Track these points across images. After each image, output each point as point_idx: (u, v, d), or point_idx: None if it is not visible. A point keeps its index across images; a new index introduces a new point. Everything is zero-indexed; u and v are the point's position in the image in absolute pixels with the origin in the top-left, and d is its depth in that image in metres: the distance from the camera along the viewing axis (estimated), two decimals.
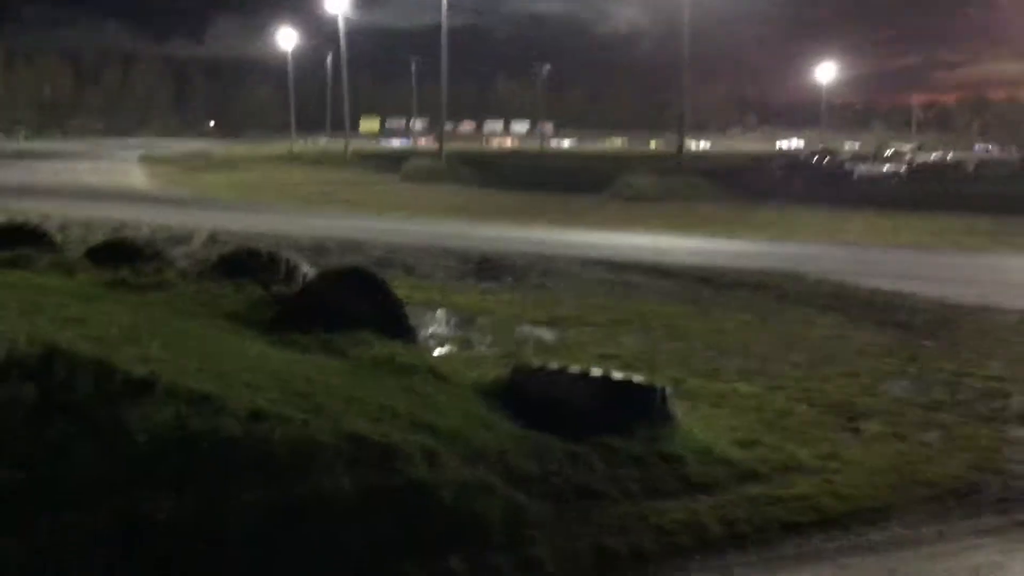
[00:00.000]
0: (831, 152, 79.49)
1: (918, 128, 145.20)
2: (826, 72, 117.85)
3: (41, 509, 5.30)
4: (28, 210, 30.25)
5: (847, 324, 15.02)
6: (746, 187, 50.62)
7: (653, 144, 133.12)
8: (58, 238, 16.13)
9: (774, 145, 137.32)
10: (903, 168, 67.62)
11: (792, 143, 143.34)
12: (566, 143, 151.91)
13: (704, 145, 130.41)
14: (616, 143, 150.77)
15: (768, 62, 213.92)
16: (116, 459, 5.75)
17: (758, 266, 21.65)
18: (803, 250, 26.63)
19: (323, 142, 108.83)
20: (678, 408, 8.31)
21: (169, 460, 5.84)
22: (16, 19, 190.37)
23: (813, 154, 78.50)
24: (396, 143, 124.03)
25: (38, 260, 12.45)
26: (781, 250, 26.38)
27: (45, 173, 57.55)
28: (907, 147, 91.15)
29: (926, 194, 46.77)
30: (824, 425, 9.15)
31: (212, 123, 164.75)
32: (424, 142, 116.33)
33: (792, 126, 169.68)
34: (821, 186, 53.27)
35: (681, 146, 66.62)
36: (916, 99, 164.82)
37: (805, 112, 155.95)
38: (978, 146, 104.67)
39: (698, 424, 8.45)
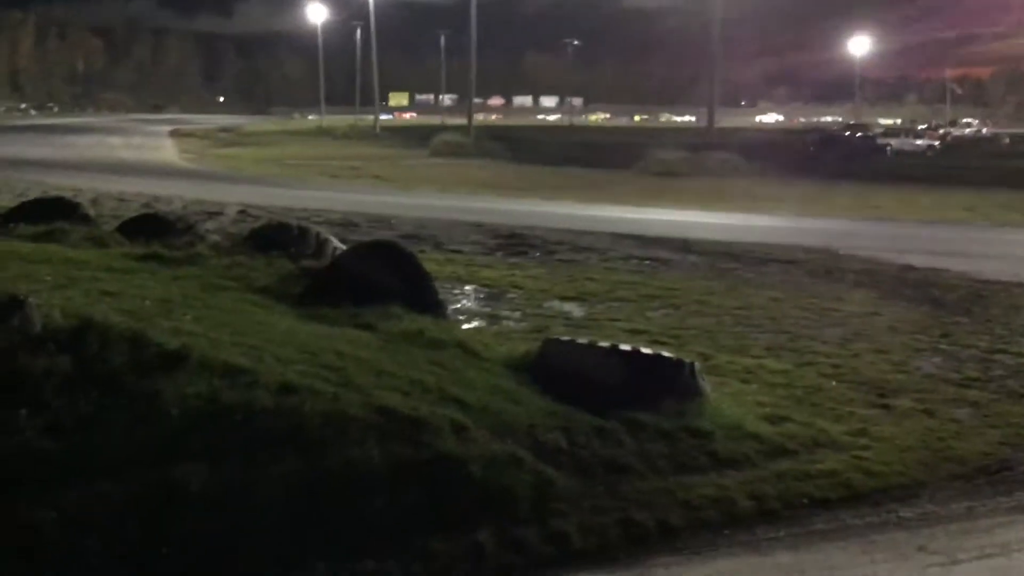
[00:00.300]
0: (864, 126, 78.61)
1: (953, 102, 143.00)
2: (859, 45, 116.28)
3: (73, 479, 5.38)
4: (61, 184, 30.56)
5: (879, 300, 14.89)
6: (778, 162, 50.16)
7: (637, 118, 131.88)
8: (91, 212, 16.24)
9: (806, 120, 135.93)
10: (937, 143, 66.77)
11: (824, 118, 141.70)
12: (597, 117, 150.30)
13: (732, 120, 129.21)
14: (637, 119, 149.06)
15: (800, 36, 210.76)
16: (149, 430, 5.83)
17: (789, 242, 21.49)
18: (835, 226, 26.40)
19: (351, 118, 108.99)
20: (707, 383, 8.29)
21: (201, 432, 5.91)
22: None
23: (846, 128, 77.66)
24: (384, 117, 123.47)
25: (72, 234, 12.57)
26: (813, 225, 26.16)
27: (78, 148, 58.00)
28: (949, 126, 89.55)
29: (960, 169, 46.18)
30: (854, 401, 9.10)
31: (221, 99, 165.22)
32: (408, 116, 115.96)
33: (824, 101, 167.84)
34: (854, 161, 52.77)
35: (711, 120, 66.07)
36: (950, 73, 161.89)
37: (838, 86, 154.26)
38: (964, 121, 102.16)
39: (727, 400, 8.42)
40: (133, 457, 5.62)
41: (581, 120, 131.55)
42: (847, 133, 72.51)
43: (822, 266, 18.31)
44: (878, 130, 75.49)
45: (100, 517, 5.21)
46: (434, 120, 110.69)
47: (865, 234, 24.36)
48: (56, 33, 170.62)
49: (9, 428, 5.45)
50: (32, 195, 22.13)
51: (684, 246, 20.82)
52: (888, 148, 63.66)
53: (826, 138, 69.90)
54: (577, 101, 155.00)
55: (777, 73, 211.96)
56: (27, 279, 8.05)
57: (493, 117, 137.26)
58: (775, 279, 16.86)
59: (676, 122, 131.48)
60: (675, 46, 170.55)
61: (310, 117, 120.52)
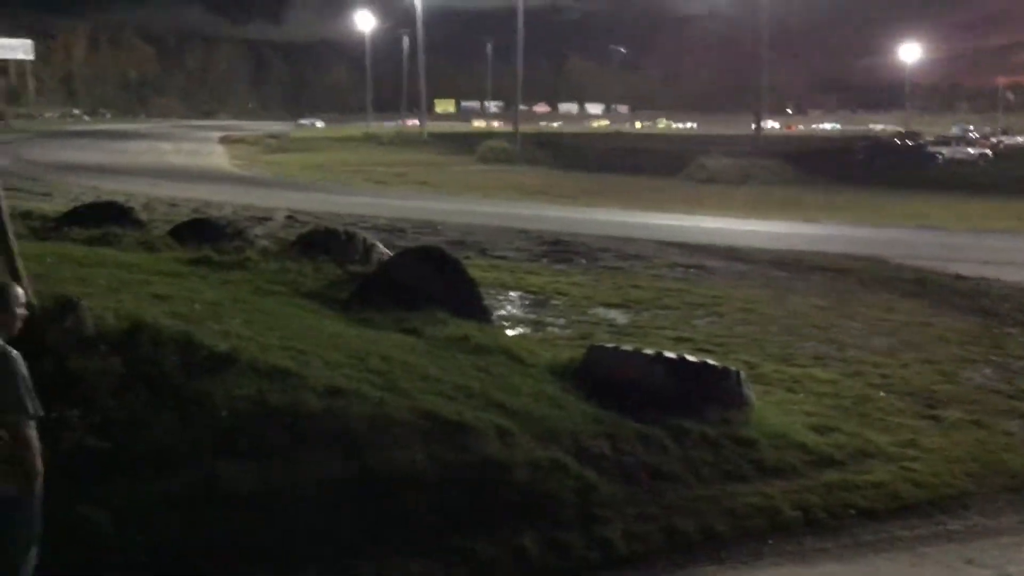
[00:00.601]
0: (915, 134, 77.55)
1: (1006, 109, 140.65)
2: (910, 52, 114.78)
3: (124, 476, 5.49)
4: (114, 190, 31.09)
5: (929, 310, 14.68)
6: (827, 170, 49.61)
7: (638, 125, 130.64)
8: (143, 217, 16.53)
9: (855, 127, 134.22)
10: (989, 151, 65.67)
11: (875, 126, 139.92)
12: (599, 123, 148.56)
13: (775, 126, 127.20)
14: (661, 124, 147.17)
15: (850, 42, 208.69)
16: (198, 430, 5.93)
17: (838, 250, 21.25)
18: (885, 234, 26.06)
19: (394, 124, 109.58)
20: (752, 392, 8.24)
21: (249, 433, 6.00)
22: (100, 1, 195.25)
23: (896, 136, 76.69)
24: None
25: (124, 238, 12.82)
26: (862, 234, 25.85)
27: (130, 154, 58.89)
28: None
29: (1013, 178, 45.40)
30: (903, 412, 9.00)
31: (251, 104, 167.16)
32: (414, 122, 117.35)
33: (874, 108, 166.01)
34: (904, 169, 52.05)
35: (758, 127, 65.56)
36: (1002, 80, 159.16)
37: (888, 93, 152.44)
38: (956, 127, 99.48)
39: (772, 409, 8.37)
40: (182, 456, 5.72)
41: (628, 127, 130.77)
42: (897, 141, 71.55)
43: (871, 275, 18.08)
44: (929, 138, 74.34)
45: (150, 514, 5.31)
46: (478, 126, 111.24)
47: (915, 243, 24.01)
48: (109, 40, 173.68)
49: (63, 427, 5.56)
50: (86, 200, 22.53)
51: (730, 254, 20.70)
52: (939, 156, 62.71)
53: (876, 146, 69.00)
54: (623, 108, 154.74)
55: (825, 80, 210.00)
56: (81, 282, 8.21)
57: (554, 124, 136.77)
58: (823, 288, 16.69)
59: (676, 128, 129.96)
60: (722, 53, 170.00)
61: (318, 124, 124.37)
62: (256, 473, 5.68)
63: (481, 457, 6.26)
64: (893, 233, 26.51)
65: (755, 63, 67.85)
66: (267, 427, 6.07)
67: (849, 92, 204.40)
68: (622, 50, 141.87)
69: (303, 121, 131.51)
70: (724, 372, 8.05)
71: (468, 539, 5.70)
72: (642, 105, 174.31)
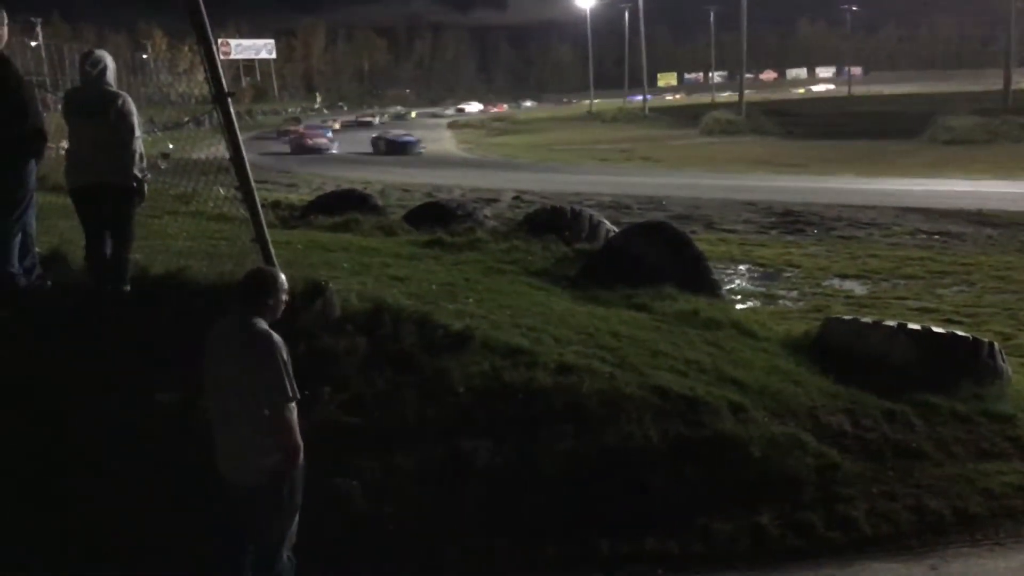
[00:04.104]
0: None
1: None
2: None
3: (373, 450, 5.78)
4: (351, 177, 32.71)
5: None
6: None
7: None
8: (380, 202, 17.28)
9: None
10: None
11: None
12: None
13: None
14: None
15: None
16: (439, 406, 6.16)
17: None
18: None
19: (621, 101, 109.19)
20: (1008, 365, 7.68)
21: (485, 409, 6.17)
22: None
23: None
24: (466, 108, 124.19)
25: (364, 223, 13.42)
26: None
27: (364, 143, 61.82)
28: None
29: None
30: None
31: (408, 91, 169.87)
32: (495, 109, 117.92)
33: None
34: None
35: (1008, 83, 60.78)
36: None
37: None
38: None
39: None
40: (424, 431, 5.96)
41: (863, 91, 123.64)
42: None
43: None
44: None
45: (397, 486, 5.57)
46: (704, 99, 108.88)
47: None
48: (344, 35, 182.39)
49: (316, 403, 5.91)
50: (327, 189, 23.85)
51: (979, 218, 19.40)
52: None
53: None
54: (856, 71, 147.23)
55: None
56: (327, 266, 8.68)
57: (820, 88, 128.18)
58: None
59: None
60: (964, 4, 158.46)
61: (527, 104, 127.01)
62: (493, 448, 5.85)
63: (715, 433, 6.16)
64: None
65: (1004, 11, 62.92)
66: (502, 403, 6.22)
67: None
68: (854, 8, 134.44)
69: (527, 104, 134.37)
70: (975, 344, 7.53)
71: (704, 516, 5.64)
72: (879, 67, 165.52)
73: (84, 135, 6.71)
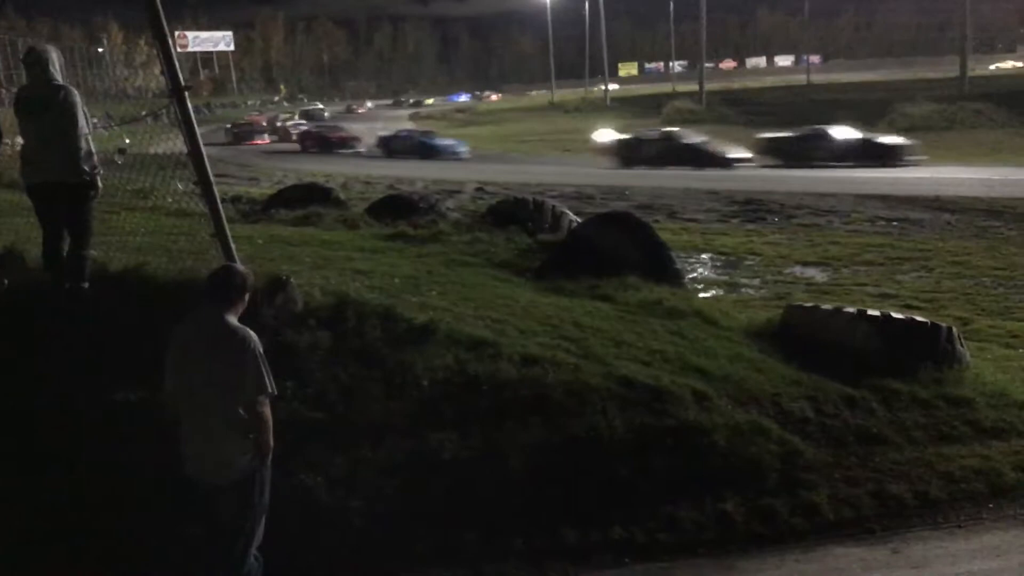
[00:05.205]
0: None
1: None
2: None
3: (337, 446, 5.75)
4: (313, 170, 32.48)
5: None
6: None
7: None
8: (342, 196, 17.18)
9: None
10: None
11: None
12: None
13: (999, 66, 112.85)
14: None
15: None
16: (404, 400, 6.14)
17: None
18: None
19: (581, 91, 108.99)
20: (966, 349, 7.79)
21: (450, 401, 6.17)
22: None
23: None
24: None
25: (326, 217, 13.34)
26: None
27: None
28: None
29: None
30: None
31: (371, 83, 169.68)
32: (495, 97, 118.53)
33: None
34: None
35: (964, 70, 61.52)
36: None
37: None
38: None
39: (989, 366, 7.91)
40: (389, 424, 5.94)
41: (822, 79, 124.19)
42: None
43: None
44: None
45: (363, 480, 5.55)
46: (665, 87, 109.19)
47: None
48: (303, 27, 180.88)
49: (279, 399, 5.85)
50: (288, 182, 23.67)
51: (936, 204, 19.65)
52: None
53: None
54: (815, 59, 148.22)
55: None
56: (289, 261, 8.62)
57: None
58: None
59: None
60: None
61: (493, 97, 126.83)
62: (459, 440, 5.84)
63: (679, 422, 6.20)
64: None
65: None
66: (467, 395, 6.22)
67: None
68: None
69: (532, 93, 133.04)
70: (934, 329, 7.63)
71: (670, 505, 5.67)
72: (837, 55, 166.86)
73: (32, 132, 6.60)
